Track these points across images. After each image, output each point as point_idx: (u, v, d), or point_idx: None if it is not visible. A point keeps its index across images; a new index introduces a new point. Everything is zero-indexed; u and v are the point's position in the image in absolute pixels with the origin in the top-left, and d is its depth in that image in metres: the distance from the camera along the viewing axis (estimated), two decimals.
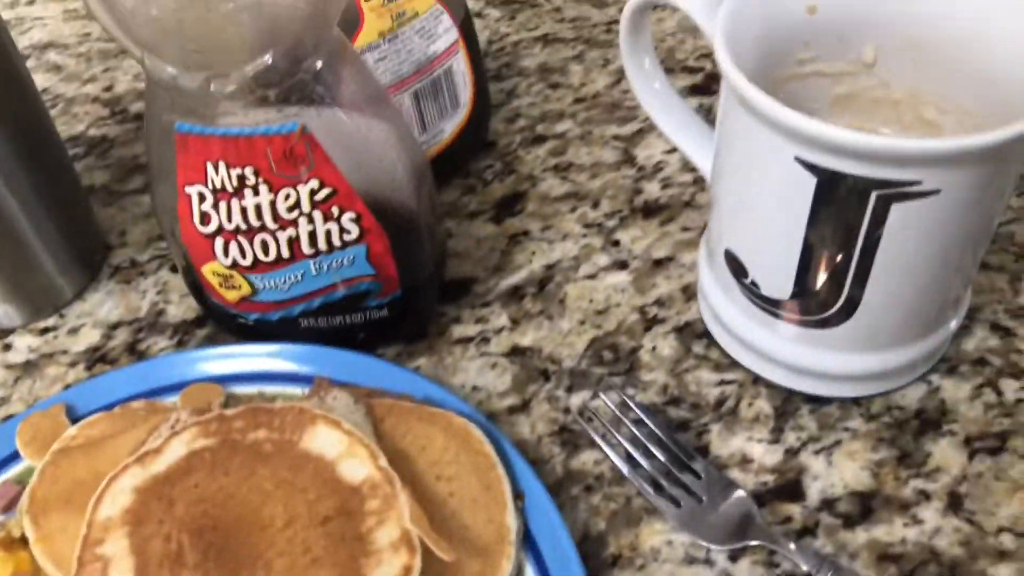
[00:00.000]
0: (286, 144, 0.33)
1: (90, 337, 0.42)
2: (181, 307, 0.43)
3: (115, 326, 0.42)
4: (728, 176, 0.34)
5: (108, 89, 0.59)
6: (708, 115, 0.51)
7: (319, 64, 0.33)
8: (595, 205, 0.46)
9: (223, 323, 0.40)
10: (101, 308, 0.43)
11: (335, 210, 0.34)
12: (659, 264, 0.42)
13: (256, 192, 0.34)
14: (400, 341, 0.39)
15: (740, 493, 0.33)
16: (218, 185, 0.34)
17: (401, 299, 0.37)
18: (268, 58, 0.32)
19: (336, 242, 0.35)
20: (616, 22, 0.59)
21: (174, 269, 0.45)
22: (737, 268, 0.35)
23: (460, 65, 0.46)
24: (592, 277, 0.42)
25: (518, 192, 0.47)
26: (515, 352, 0.39)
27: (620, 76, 0.54)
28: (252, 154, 0.33)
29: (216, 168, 0.34)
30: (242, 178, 0.34)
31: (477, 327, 0.40)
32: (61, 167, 0.44)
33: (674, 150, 0.48)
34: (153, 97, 0.35)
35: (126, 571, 0.28)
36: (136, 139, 0.54)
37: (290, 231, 0.35)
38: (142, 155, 0.53)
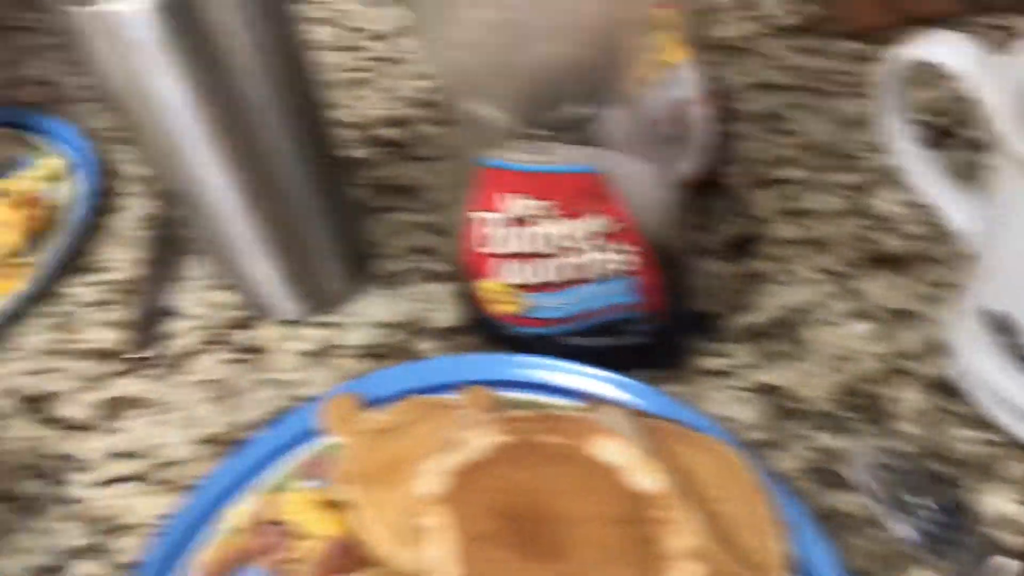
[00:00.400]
0: (581, 183, 0.37)
1: (364, 335, 0.47)
2: (444, 314, 0.47)
3: (385, 327, 0.48)
4: (1006, 239, 0.35)
5: (357, 115, 0.66)
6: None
7: (607, 110, 0.37)
8: (829, 252, 0.47)
9: (490, 334, 0.44)
10: (370, 310, 0.49)
11: (616, 243, 0.38)
12: (901, 315, 0.43)
13: (547, 223, 0.38)
14: (653, 368, 0.42)
15: (1006, 555, 0.33)
16: (511, 214, 0.38)
17: (663, 328, 0.40)
18: (571, 105, 0.36)
19: (613, 271, 0.38)
20: (834, 72, 0.60)
21: (432, 279, 0.50)
22: (1005, 328, 0.36)
23: (701, 111, 0.49)
24: (833, 324, 0.44)
25: (751, 234, 0.49)
26: (762, 389, 0.41)
27: (845, 124, 0.55)
28: (548, 189, 0.37)
29: (511, 199, 0.38)
30: (535, 209, 0.38)
31: (722, 361, 0.43)
32: (342, 181, 0.50)
33: (907, 202, 0.49)
34: (456, 129, 0.40)
35: (447, 543, 0.32)
36: (387, 162, 0.60)
37: (573, 258, 0.38)
38: (391, 177, 0.58)
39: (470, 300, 0.43)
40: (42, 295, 0.51)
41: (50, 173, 0.56)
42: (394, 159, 0.60)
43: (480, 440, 0.35)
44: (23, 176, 0.56)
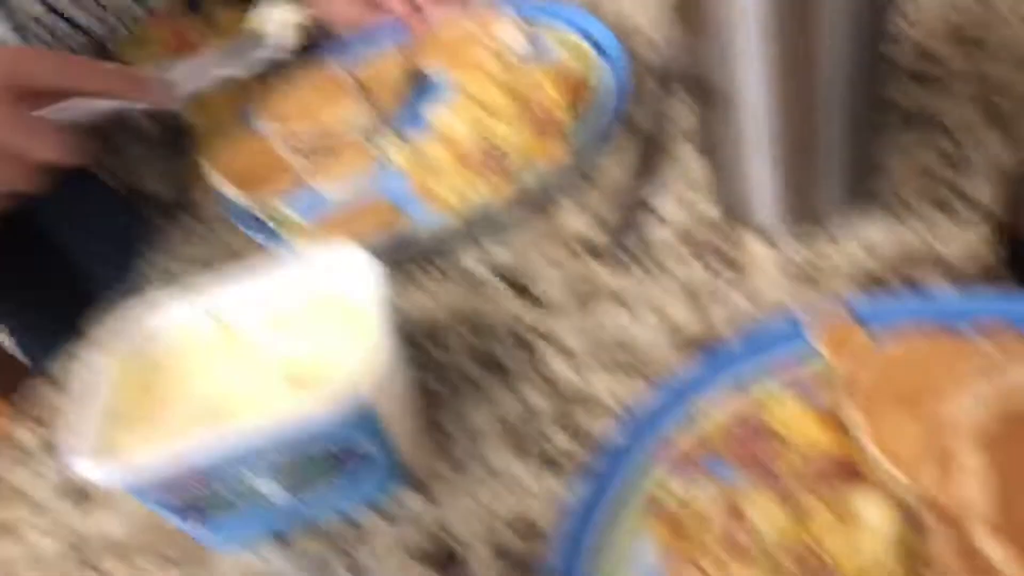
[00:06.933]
0: None
1: (855, 258, 0.44)
2: (955, 247, 0.43)
3: (881, 252, 0.44)
4: None
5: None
6: None
7: None
8: None
9: None
10: (866, 233, 0.45)
11: None
12: None
13: None
14: None
15: None
16: None
17: None
18: None
19: None
20: None
21: (944, 210, 0.45)
22: None
23: None
24: None
25: None
26: None
27: None
28: None
29: None
30: None
31: None
32: (878, 93, 0.45)
33: None
34: None
35: (984, 480, 0.29)
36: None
37: None
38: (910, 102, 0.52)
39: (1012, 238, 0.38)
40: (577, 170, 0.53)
41: (580, 55, 0.59)
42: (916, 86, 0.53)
43: None
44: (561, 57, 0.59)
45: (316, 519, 0.43)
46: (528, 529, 0.40)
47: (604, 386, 0.45)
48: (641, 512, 0.37)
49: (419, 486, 0.43)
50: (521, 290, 0.51)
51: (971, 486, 0.29)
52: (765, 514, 0.32)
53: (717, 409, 0.39)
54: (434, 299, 0.52)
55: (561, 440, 0.43)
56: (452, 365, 0.48)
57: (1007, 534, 0.28)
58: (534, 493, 0.41)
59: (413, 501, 0.43)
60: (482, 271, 0.53)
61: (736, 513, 0.33)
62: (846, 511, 0.31)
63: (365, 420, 0.39)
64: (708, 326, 0.45)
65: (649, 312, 0.47)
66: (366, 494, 0.43)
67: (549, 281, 0.50)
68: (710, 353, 0.41)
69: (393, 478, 0.43)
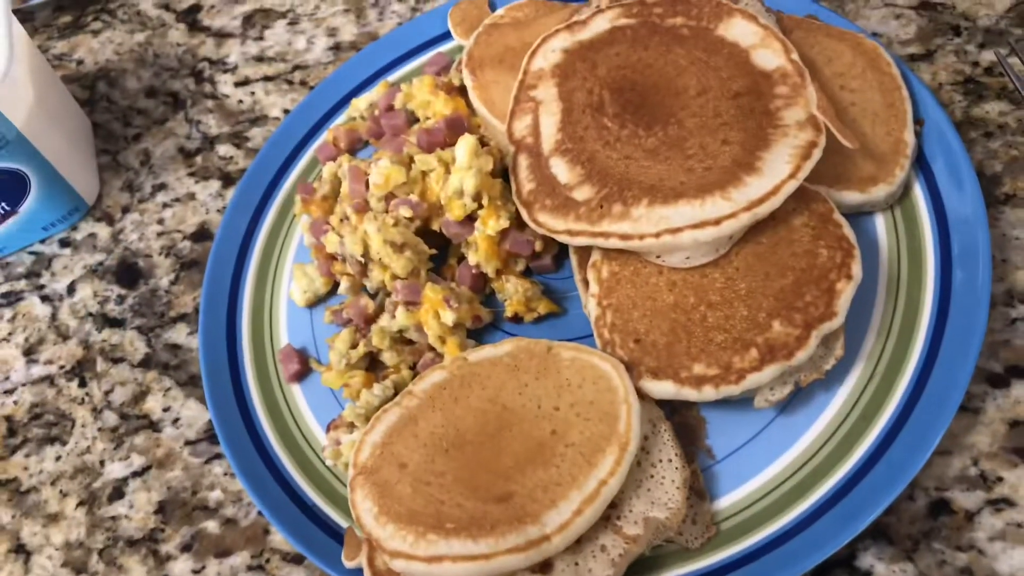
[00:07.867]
0: None
1: None
2: None
3: None
4: None
5: None
6: None
7: None
8: None
9: None
10: None
11: None
12: None
13: None
14: None
15: None
16: None
17: None
18: None
19: None
20: None
21: None
22: None
23: None
24: None
25: None
26: (924, 6, 0.37)
27: None
28: None
29: None
30: None
31: None
32: None
33: None
34: None
35: (554, 112, 0.33)
36: None
37: None
38: None
39: None
40: None
41: None
42: None
43: (599, 23, 0.34)
44: None
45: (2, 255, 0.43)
46: (206, 236, 0.42)
47: (271, 100, 0.46)
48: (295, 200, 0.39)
49: (106, 218, 0.43)
50: (192, 23, 0.50)
51: (544, 115, 0.34)
52: (384, 174, 0.35)
53: (365, 101, 0.41)
54: (108, 43, 0.50)
55: (239, 158, 0.44)
56: (131, 105, 0.47)
57: (570, 154, 0.33)
58: (217, 209, 0.42)
59: (101, 231, 0.43)
60: (150, 9, 0.51)
61: (362, 178, 0.36)
62: (452, 161, 0.35)
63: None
64: (366, 30, 0.47)
65: (311, 24, 0.48)
66: (46, 225, 0.43)
67: (217, 10, 0.50)
68: (364, 54, 0.43)
69: (76, 211, 0.43)
